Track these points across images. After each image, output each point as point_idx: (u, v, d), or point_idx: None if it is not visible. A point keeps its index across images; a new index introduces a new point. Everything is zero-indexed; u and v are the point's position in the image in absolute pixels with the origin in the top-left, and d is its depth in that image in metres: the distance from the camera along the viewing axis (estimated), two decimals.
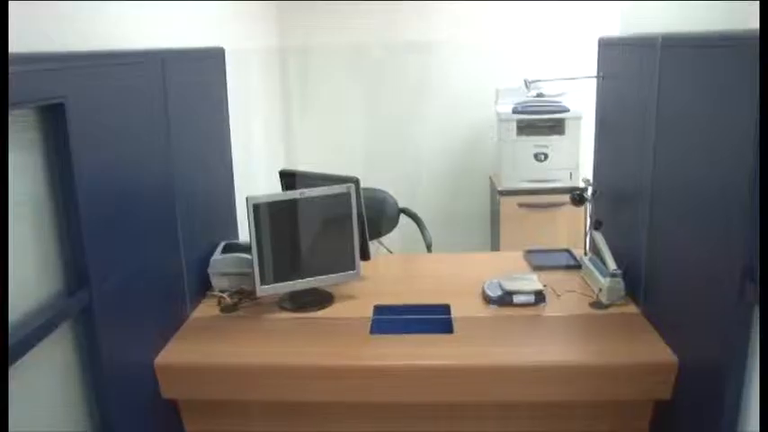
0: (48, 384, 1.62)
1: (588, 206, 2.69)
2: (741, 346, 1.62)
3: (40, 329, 1.49)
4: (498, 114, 4.12)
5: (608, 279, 2.35)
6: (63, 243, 1.65)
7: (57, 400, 1.66)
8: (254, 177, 3.65)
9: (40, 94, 1.50)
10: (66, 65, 1.60)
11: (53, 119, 1.57)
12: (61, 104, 1.56)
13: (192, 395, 2.17)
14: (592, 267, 2.53)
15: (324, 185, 2.46)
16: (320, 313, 2.40)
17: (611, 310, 2.33)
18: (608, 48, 2.67)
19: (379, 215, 3.56)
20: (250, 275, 2.38)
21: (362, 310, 2.40)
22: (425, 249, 3.46)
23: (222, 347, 2.17)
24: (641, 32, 2.44)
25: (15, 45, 1.37)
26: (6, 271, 1.36)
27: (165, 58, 2.17)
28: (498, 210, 4.15)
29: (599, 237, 2.48)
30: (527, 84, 4.00)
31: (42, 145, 1.58)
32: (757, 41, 1.47)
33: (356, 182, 2.50)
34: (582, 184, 2.73)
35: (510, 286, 2.40)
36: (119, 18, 2.07)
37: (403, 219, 3.71)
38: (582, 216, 2.79)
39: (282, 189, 2.83)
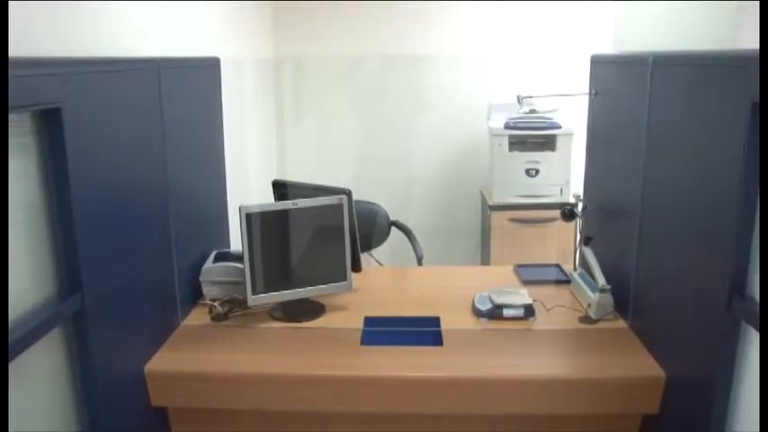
0: (37, 389, 1.62)
1: (578, 222, 2.71)
2: (728, 361, 1.64)
3: (31, 333, 1.49)
4: (490, 129, 4.15)
5: (597, 294, 2.37)
6: (56, 248, 1.65)
7: (46, 405, 1.65)
8: (247, 187, 3.66)
9: (37, 99, 1.50)
10: (64, 70, 1.61)
11: (49, 124, 1.58)
12: (57, 109, 1.56)
13: (182, 403, 2.16)
14: (581, 282, 2.55)
15: (316, 196, 2.47)
16: (311, 324, 2.40)
17: (600, 324, 2.34)
18: (600, 65, 2.71)
19: (370, 227, 3.57)
20: (241, 285, 2.38)
21: (353, 321, 2.41)
22: (416, 262, 3.47)
23: (212, 356, 2.17)
24: (633, 51, 2.48)
25: (12, 49, 1.38)
26: (6, 273, 1.37)
27: (162, 66, 2.19)
28: (489, 224, 4.17)
29: (589, 252, 2.50)
30: (519, 100, 4.05)
31: (37, 150, 1.58)
32: (746, 61, 1.51)
33: (349, 194, 2.51)
34: (572, 200, 2.76)
35: (500, 300, 2.41)
36: (117, 26, 2.08)
37: (394, 231, 3.73)
38: (572, 231, 2.81)
39: (275, 199, 2.84)
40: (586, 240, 2.56)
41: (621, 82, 2.44)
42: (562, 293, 2.64)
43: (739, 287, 1.58)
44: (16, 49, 1.41)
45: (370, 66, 4.60)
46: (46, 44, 1.65)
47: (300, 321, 2.41)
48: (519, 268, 2.92)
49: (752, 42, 1.58)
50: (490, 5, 4.46)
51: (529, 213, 4.11)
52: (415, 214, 4.47)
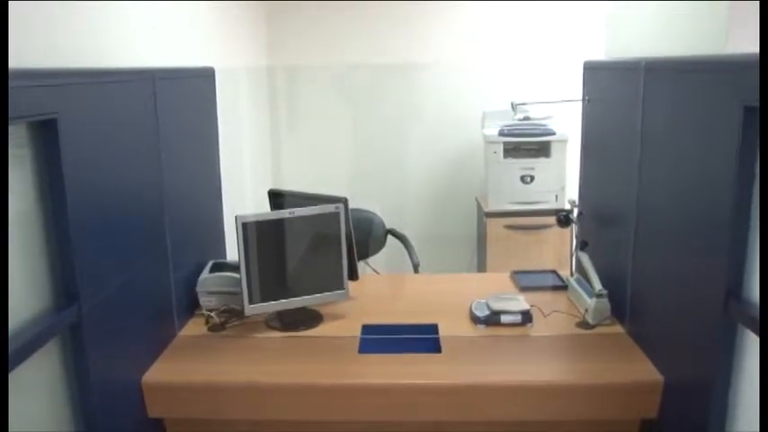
0: (34, 400, 1.61)
1: (574, 227, 2.71)
2: (726, 364, 1.64)
3: (28, 345, 1.48)
4: (485, 137, 4.17)
5: (594, 299, 2.38)
6: (52, 259, 1.64)
7: (42, 416, 1.64)
8: (242, 196, 3.66)
9: (33, 110, 1.50)
10: (60, 81, 1.61)
11: (45, 135, 1.57)
12: (53, 120, 1.56)
13: (179, 414, 2.15)
14: (578, 288, 2.55)
15: (313, 205, 2.47)
16: (308, 332, 2.40)
17: (597, 329, 2.35)
18: (593, 71, 2.72)
19: (366, 235, 3.57)
20: (238, 294, 2.38)
21: (351, 329, 2.40)
22: (412, 270, 3.47)
23: (210, 366, 2.16)
24: (625, 57, 2.49)
25: (10, 60, 1.38)
26: (6, 285, 1.36)
27: (157, 77, 2.19)
28: (485, 231, 4.17)
29: (585, 257, 2.51)
30: (514, 107, 4.07)
31: (32, 161, 1.58)
32: (737, 65, 1.52)
33: (345, 202, 2.51)
34: (568, 206, 2.77)
35: (497, 306, 2.41)
36: (112, 36, 2.09)
37: (390, 240, 3.72)
38: (568, 237, 2.81)
39: (271, 208, 2.84)
40: (582, 246, 2.57)
41: (614, 88, 2.45)
42: (559, 299, 2.64)
43: (735, 290, 1.59)
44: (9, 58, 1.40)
45: (363, 74, 4.61)
46: (38, 53, 1.66)
47: (298, 330, 2.40)
48: (516, 275, 2.92)
49: (744, 43, 1.60)
50: (483, 13, 4.48)
51: (525, 220, 4.12)
52: (411, 222, 4.48)
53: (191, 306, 2.53)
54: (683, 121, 1.85)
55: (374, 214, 3.71)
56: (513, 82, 4.50)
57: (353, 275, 2.61)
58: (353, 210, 2.76)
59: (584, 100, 2.77)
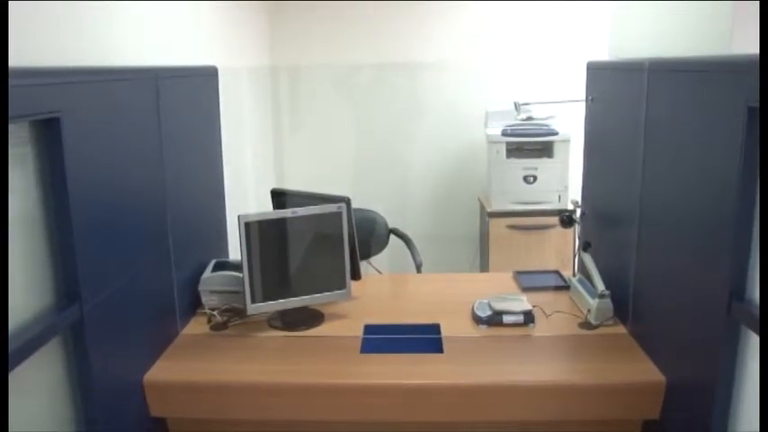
0: (35, 399, 1.61)
1: (577, 228, 2.71)
2: (728, 365, 1.64)
3: (29, 343, 1.48)
4: (488, 137, 4.17)
5: (596, 300, 2.37)
6: (54, 258, 1.64)
7: (44, 417, 1.64)
8: (245, 195, 3.66)
9: (36, 109, 1.50)
10: (62, 80, 1.61)
11: (47, 134, 1.57)
12: (56, 119, 1.56)
13: (182, 413, 2.15)
14: (580, 288, 2.55)
15: (315, 205, 2.47)
16: (310, 332, 2.40)
17: (600, 330, 2.34)
18: (596, 72, 2.72)
19: (369, 235, 3.57)
20: (240, 294, 2.38)
21: (353, 329, 2.40)
22: (414, 270, 3.47)
23: (212, 366, 2.16)
24: (629, 57, 2.49)
25: (11, 59, 1.38)
26: (6, 283, 1.36)
27: (160, 76, 2.19)
28: (487, 231, 4.17)
29: (587, 258, 2.50)
30: (517, 106, 4.07)
31: (35, 160, 1.58)
32: (741, 65, 1.51)
33: (347, 202, 2.51)
34: (570, 206, 2.76)
35: (499, 306, 2.41)
36: (115, 35, 2.09)
37: (392, 239, 3.72)
38: (570, 237, 2.82)
39: (274, 208, 2.84)
40: (585, 246, 2.56)
41: (618, 88, 2.44)
42: (561, 299, 2.63)
43: (738, 291, 1.58)
44: (10, 57, 1.40)
45: (366, 74, 4.61)
46: (40, 52, 1.66)
47: (300, 330, 2.40)
48: (518, 275, 2.91)
49: (748, 43, 1.59)
50: (486, 13, 4.48)
51: (527, 220, 4.11)
52: (413, 222, 4.47)
53: (193, 305, 2.53)
54: (687, 121, 1.84)
55: (377, 214, 3.71)
56: (516, 82, 4.50)
57: (356, 275, 2.61)
58: (356, 209, 2.75)
59: (587, 100, 2.76)
